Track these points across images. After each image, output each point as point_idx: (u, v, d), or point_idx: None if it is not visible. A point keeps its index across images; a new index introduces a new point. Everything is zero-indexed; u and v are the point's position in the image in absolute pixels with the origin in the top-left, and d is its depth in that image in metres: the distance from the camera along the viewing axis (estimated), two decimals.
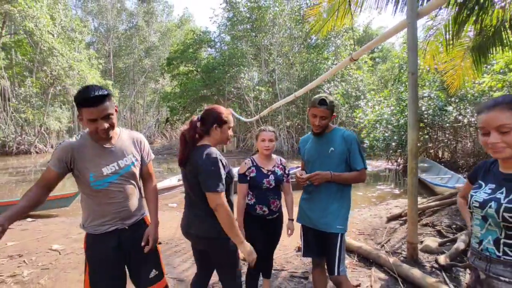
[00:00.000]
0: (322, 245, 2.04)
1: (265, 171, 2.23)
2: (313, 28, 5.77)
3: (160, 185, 8.39)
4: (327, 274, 2.03)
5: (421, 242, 3.66)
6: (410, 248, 3.25)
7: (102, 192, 1.59)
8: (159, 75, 35.29)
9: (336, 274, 1.88)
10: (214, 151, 1.66)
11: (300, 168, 2.24)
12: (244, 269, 2.67)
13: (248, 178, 2.21)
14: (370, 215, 5.34)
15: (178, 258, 3.37)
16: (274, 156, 2.34)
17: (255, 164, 2.26)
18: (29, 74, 23.89)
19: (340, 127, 2.11)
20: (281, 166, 2.30)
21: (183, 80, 23.82)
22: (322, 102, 1.91)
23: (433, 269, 2.95)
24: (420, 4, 3.63)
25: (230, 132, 1.82)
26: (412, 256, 3.21)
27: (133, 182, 1.70)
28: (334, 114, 1.98)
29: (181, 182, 8.71)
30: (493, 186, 1.19)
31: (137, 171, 1.72)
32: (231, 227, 1.61)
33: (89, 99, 1.48)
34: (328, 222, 1.92)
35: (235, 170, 2.25)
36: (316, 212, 1.95)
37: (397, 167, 11.40)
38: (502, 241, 1.12)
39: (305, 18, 6.07)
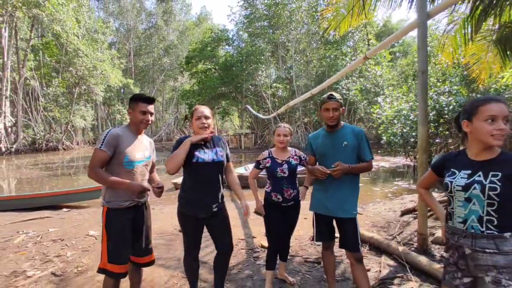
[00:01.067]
0: (332, 230, 2.30)
1: (279, 161, 2.49)
2: (330, 27, 5.92)
3: (178, 180, 8.78)
4: (338, 254, 2.25)
5: (433, 234, 3.79)
6: (420, 239, 3.40)
7: (130, 172, 2.00)
8: (178, 73, 36.08)
9: (358, 251, 2.15)
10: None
11: (309, 162, 2.47)
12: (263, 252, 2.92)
13: (261, 166, 2.57)
14: (384, 209, 5.47)
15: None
16: (289, 148, 2.59)
17: (271, 155, 2.54)
18: (56, 74, 25.09)
19: (349, 124, 2.34)
20: (295, 157, 2.54)
21: (202, 78, 24.31)
22: (331, 96, 2.20)
23: (442, 258, 3.09)
24: (430, 4, 3.73)
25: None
26: (422, 247, 3.36)
27: (148, 168, 2.18)
28: (343, 108, 2.22)
29: None
30: (468, 171, 1.39)
31: (151, 161, 2.22)
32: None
33: (146, 98, 2.08)
34: (347, 209, 2.16)
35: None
36: (335, 202, 2.18)
37: (415, 163, 11.31)
38: (484, 218, 1.33)
39: (322, 17, 6.20)
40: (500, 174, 1.30)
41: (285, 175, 2.47)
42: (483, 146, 1.36)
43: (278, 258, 2.67)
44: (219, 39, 23.94)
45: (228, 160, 2.31)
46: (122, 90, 33.21)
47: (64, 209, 5.88)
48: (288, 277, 2.75)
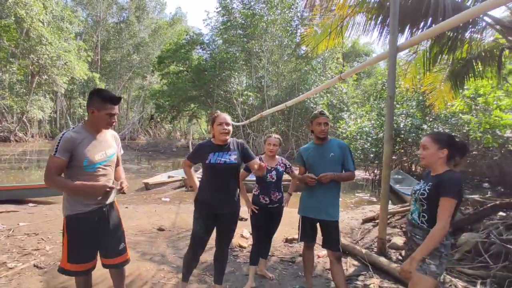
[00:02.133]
0: (315, 232, 2.63)
1: (269, 168, 2.78)
2: (309, 46, 6.41)
3: (151, 180, 8.75)
4: (319, 253, 2.58)
5: (390, 240, 4.29)
6: (379, 243, 3.86)
7: (92, 174, 1.94)
8: (148, 71, 35.16)
9: (339, 251, 2.49)
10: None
11: (297, 172, 2.79)
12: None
13: (253, 172, 2.77)
14: (348, 217, 5.97)
15: (182, 242, 3.82)
16: (277, 157, 2.90)
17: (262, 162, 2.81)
18: (14, 60, 23.38)
19: (335, 138, 2.71)
20: (282, 164, 2.87)
21: (173, 79, 24.03)
22: (323, 112, 2.57)
23: (398, 260, 3.56)
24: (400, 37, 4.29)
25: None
26: (381, 250, 3.82)
27: (112, 168, 2.11)
28: (330, 123, 2.58)
29: (171, 179, 9.11)
30: (423, 182, 1.90)
31: (115, 159, 2.14)
32: None
33: (115, 99, 1.98)
34: (331, 213, 2.50)
35: None
36: (321, 205, 2.50)
37: (374, 177, 12.19)
38: (421, 214, 1.84)
39: (302, 39, 6.68)
40: (431, 184, 1.80)
41: (273, 180, 2.77)
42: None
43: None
44: (193, 42, 23.89)
45: (251, 158, 2.46)
46: (85, 84, 31.62)
47: (30, 204, 5.65)
48: (267, 273, 3.03)
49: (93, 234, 2.01)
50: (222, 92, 23.57)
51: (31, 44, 21.63)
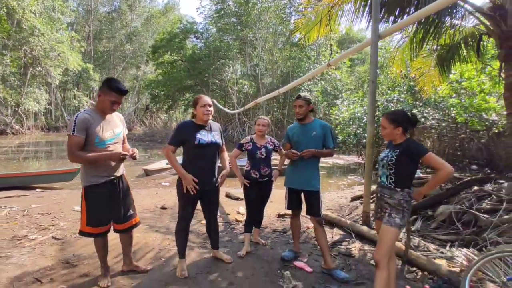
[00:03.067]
0: (300, 201, 2.98)
1: (258, 146, 3.12)
2: (301, 34, 6.66)
3: (151, 167, 9.08)
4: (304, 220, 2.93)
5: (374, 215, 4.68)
6: (364, 216, 4.23)
7: (102, 150, 2.23)
8: (141, 61, 34.98)
9: (320, 216, 2.82)
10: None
11: (285, 148, 3.13)
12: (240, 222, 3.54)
13: (243, 149, 3.16)
14: (337, 196, 6.36)
15: None
16: (267, 136, 3.23)
17: (252, 141, 3.16)
18: (6, 52, 23.22)
19: (318, 119, 3.03)
20: (271, 143, 3.20)
21: (168, 69, 24.05)
22: (298, 96, 2.90)
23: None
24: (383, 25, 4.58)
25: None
26: (365, 222, 4.19)
27: (120, 145, 2.40)
28: (311, 105, 2.88)
29: (168, 166, 9.43)
30: (388, 150, 2.23)
31: (122, 137, 2.45)
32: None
33: (123, 91, 2.28)
34: (313, 184, 2.83)
35: None
36: (304, 178, 2.83)
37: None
38: (388, 177, 2.19)
39: (295, 26, 6.89)
40: (398, 151, 2.13)
41: (263, 156, 3.11)
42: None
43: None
44: (187, 31, 23.85)
45: (222, 143, 2.77)
46: (79, 75, 31.43)
47: (38, 190, 5.97)
48: (261, 240, 3.40)
49: (106, 201, 2.33)
50: (217, 81, 23.68)
51: (24, 35, 21.49)
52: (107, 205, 2.35)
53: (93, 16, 35.67)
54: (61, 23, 25.32)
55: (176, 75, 22.72)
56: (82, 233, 2.37)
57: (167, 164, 9.71)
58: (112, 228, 2.47)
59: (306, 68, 20.33)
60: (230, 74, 22.87)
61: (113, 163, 2.34)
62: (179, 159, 2.58)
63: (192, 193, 2.49)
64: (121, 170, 2.46)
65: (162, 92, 25.31)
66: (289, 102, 22.10)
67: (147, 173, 8.57)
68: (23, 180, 6.15)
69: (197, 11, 28.39)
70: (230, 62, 22.38)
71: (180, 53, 23.48)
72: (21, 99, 23.14)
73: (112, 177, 2.35)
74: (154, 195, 5.71)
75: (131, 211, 2.52)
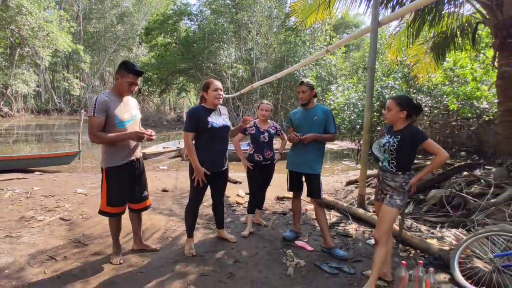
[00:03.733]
0: (301, 183, 3.10)
1: (262, 130, 3.23)
2: (298, 18, 6.63)
3: (148, 150, 9.10)
4: (307, 200, 3.07)
5: (368, 198, 4.86)
6: (359, 199, 4.41)
7: (122, 130, 2.31)
8: (133, 43, 34.18)
9: (320, 198, 2.95)
10: None
11: (288, 132, 3.23)
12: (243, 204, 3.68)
13: (247, 133, 3.25)
14: (333, 180, 6.55)
15: (185, 200, 4.26)
16: (269, 121, 3.32)
17: (255, 125, 3.25)
18: None
19: (320, 104, 3.12)
20: (273, 127, 3.31)
21: (161, 51, 23.63)
22: (301, 82, 2.98)
23: (374, 213, 4.13)
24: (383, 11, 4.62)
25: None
26: (360, 204, 4.37)
27: (137, 126, 2.49)
28: (314, 91, 2.97)
29: (166, 149, 9.48)
30: (388, 136, 2.33)
31: (139, 119, 2.54)
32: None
33: (137, 72, 2.36)
34: (314, 167, 2.95)
35: None
36: (305, 161, 2.94)
37: (359, 147, 12.81)
38: (390, 162, 2.30)
39: (292, 10, 6.84)
40: (399, 137, 2.25)
41: (266, 140, 3.22)
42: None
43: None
44: (181, 12, 23.33)
45: None
46: (69, 56, 30.61)
47: (37, 173, 5.99)
48: (262, 221, 3.55)
49: (125, 183, 2.44)
50: (211, 65, 23.40)
51: (10, 14, 20.73)
52: (126, 186, 2.45)
53: None
54: (49, 1, 24.42)
55: (170, 58, 22.36)
56: (101, 212, 2.48)
57: (163, 148, 9.77)
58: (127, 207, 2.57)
59: (301, 53, 20.21)
60: (224, 58, 22.60)
61: (132, 144, 2.43)
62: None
63: (200, 185, 2.60)
64: (139, 152, 2.55)
65: (155, 75, 24.93)
66: (283, 87, 22.06)
67: (144, 156, 8.59)
68: (22, 163, 6.14)
69: None
70: (225, 45, 22.08)
71: (174, 36, 23.07)
72: (9, 80, 22.57)
73: (132, 158, 2.44)
74: (154, 178, 5.79)
75: (145, 192, 2.63)
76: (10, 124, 19.66)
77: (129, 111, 2.40)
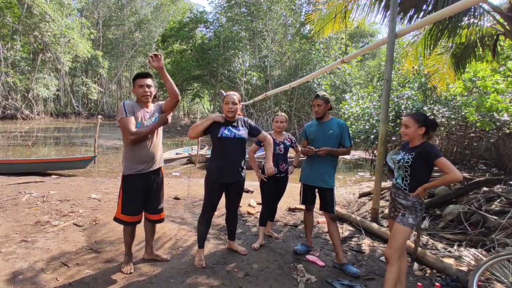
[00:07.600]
0: (314, 197, 3.06)
1: (277, 142, 3.20)
2: (315, 29, 6.62)
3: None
4: (317, 215, 3.02)
5: (382, 212, 4.75)
6: (373, 212, 4.30)
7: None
8: (150, 50, 34.87)
9: (333, 212, 2.90)
10: None
11: (303, 145, 3.20)
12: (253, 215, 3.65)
13: (262, 144, 3.10)
14: (345, 192, 6.44)
15: (197, 209, 4.28)
16: (284, 132, 3.31)
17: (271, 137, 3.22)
18: (18, 37, 23.37)
19: (336, 117, 3.08)
20: (289, 139, 3.29)
21: (177, 58, 24.05)
22: (317, 96, 2.95)
23: (388, 228, 4.02)
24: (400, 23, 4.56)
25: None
26: (374, 218, 4.27)
27: (158, 134, 2.55)
28: (329, 104, 2.94)
29: (179, 156, 9.57)
30: (403, 153, 2.28)
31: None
32: None
33: (140, 74, 2.49)
34: (327, 181, 2.91)
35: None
36: (319, 175, 2.91)
37: (373, 157, 12.60)
38: (404, 179, 2.24)
39: (308, 20, 6.84)
40: (414, 153, 2.20)
41: (281, 152, 3.19)
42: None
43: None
44: (197, 20, 23.75)
45: (259, 132, 2.80)
46: (88, 62, 31.50)
47: (53, 176, 6.13)
48: (273, 233, 3.51)
49: (142, 192, 2.47)
50: (225, 72, 23.65)
51: (34, 21, 21.60)
52: (142, 196, 2.49)
53: (102, 3, 35.54)
54: (71, 9, 25.33)
55: (185, 64, 22.72)
56: (116, 219, 2.52)
57: (176, 154, 9.87)
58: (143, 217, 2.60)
59: (316, 61, 20.17)
60: (239, 65, 22.79)
61: (154, 155, 2.48)
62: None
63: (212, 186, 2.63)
64: (159, 163, 2.58)
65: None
66: (296, 95, 22.02)
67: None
68: (41, 166, 6.32)
69: (207, 0, 28.15)
70: (240, 53, 22.29)
71: (190, 43, 23.46)
72: (31, 84, 23.38)
73: (151, 169, 2.48)
74: (166, 185, 5.81)
75: (161, 205, 2.65)
76: (30, 127, 20.31)
77: (150, 119, 2.48)
